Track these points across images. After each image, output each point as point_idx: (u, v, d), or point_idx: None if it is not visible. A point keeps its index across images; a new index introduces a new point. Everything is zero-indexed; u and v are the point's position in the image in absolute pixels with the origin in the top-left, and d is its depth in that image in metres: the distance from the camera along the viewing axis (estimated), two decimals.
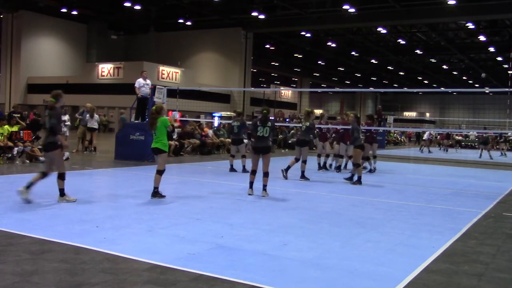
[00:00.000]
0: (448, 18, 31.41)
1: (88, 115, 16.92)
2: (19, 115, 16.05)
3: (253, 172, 8.90)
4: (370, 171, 13.79)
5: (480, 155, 24.19)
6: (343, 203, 8.68)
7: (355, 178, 11.08)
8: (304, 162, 11.36)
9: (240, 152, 13.07)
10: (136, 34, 42.26)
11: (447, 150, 27.64)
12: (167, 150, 8.23)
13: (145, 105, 15.02)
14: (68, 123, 16.88)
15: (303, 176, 11.32)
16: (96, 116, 17.40)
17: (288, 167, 11.50)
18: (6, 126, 12.86)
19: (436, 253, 5.38)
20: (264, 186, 8.84)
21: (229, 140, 19.76)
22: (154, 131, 8.06)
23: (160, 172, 8.05)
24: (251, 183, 8.92)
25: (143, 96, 14.99)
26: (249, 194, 8.83)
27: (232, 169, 12.75)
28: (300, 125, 12.07)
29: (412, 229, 6.60)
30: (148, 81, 15.38)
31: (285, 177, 11.34)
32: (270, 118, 9.92)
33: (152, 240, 5.44)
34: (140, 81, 14.97)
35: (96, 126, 17.29)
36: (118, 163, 13.83)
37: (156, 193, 8.07)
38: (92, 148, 16.90)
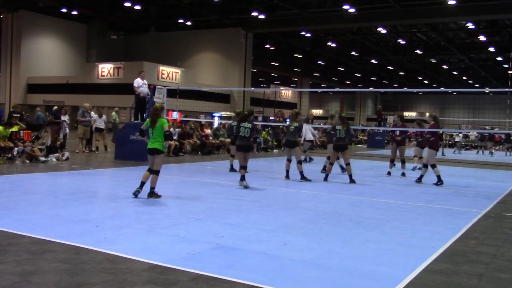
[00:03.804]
0: (448, 18, 31.38)
1: (96, 115, 17.09)
2: (19, 115, 16.05)
3: (244, 168, 10.00)
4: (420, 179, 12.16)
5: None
6: (343, 203, 8.69)
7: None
8: (300, 162, 11.36)
9: (231, 152, 13.11)
10: (136, 34, 42.24)
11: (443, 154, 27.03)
12: (164, 151, 8.25)
13: (144, 105, 15.04)
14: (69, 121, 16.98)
15: (303, 177, 11.27)
16: (104, 116, 17.58)
17: (287, 172, 11.51)
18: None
19: (436, 253, 5.38)
20: (242, 177, 9.87)
21: (229, 140, 19.85)
22: (153, 130, 8.05)
23: (157, 173, 8.08)
24: (243, 176, 9.89)
25: (143, 96, 15.00)
26: (244, 186, 9.74)
27: (232, 169, 12.76)
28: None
29: (412, 229, 6.60)
30: (146, 81, 15.36)
31: (288, 178, 11.42)
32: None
33: (152, 240, 5.44)
34: (138, 81, 14.97)
35: (103, 126, 17.41)
36: (118, 163, 13.84)
37: (152, 193, 8.08)
38: (94, 148, 17.01)
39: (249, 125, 10.02)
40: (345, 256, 5.15)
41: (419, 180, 11.93)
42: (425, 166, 11.91)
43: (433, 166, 11.60)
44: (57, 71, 38.15)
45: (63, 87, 36.07)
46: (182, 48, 40.10)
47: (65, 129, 16.42)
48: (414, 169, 14.72)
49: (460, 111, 64.72)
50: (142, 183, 8.05)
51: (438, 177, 11.54)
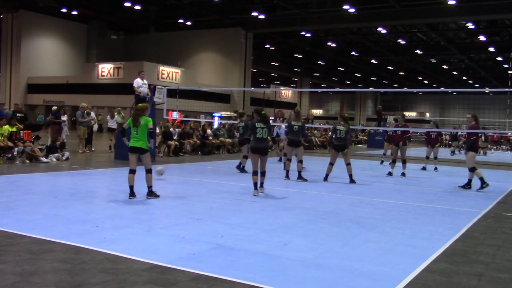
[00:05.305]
0: (448, 18, 31.41)
1: (108, 116, 17.42)
2: (22, 115, 16.02)
3: (255, 173, 9.06)
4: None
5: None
6: (343, 203, 8.68)
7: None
8: (300, 162, 11.40)
9: (243, 152, 13.09)
10: (136, 34, 42.25)
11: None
12: (149, 150, 8.23)
13: None
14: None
15: (300, 177, 11.32)
16: (116, 116, 17.69)
17: (287, 172, 11.53)
18: (6, 126, 12.87)
19: (436, 253, 5.38)
20: (261, 184, 9.18)
21: (229, 140, 19.88)
22: (137, 129, 8.04)
23: (150, 171, 8.08)
24: (255, 184, 9.02)
25: (143, 96, 14.99)
26: (255, 195, 8.85)
27: (239, 168, 12.75)
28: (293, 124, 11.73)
29: (412, 229, 6.60)
30: (145, 81, 15.33)
31: (288, 178, 11.40)
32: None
33: (152, 240, 5.44)
34: (138, 81, 14.95)
35: (115, 126, 17.50)
36: (118, 163, 13.82)
37: (151, 193, 8.08)
38: (91, 148, 17.08)
39: (266, 125, 9.14)
40: (345, 256, 5.15)
41: (468, 186, 11.20)
42: (472, 169, 11.09)
43: (473, 169, 10.97)
44: (57, 71, 38.18)
45: (63, 87, 36.08)
46: (182, 48, 40.12)
47: (64, 129, 16.44)
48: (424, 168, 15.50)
49: (460, 111, 64.77)
50: (131, 187, 7.96)
51: (481, 179, 10.81)
